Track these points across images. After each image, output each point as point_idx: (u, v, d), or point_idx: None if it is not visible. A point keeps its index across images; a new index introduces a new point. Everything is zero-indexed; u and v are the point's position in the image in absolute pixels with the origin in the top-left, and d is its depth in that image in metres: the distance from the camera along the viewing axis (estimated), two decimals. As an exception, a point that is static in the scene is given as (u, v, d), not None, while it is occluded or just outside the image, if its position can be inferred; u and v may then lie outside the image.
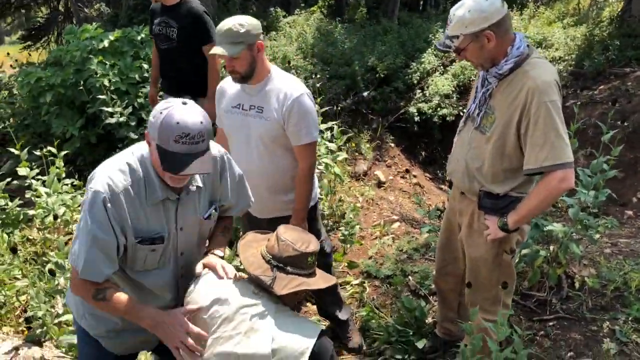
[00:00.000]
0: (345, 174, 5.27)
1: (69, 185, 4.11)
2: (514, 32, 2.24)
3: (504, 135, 2.21)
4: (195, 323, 1.86)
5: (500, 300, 2.54)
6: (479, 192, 2.34)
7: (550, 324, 3.29)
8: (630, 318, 3.22)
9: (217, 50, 2.45)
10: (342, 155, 4.41)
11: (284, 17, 9.75)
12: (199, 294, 1.95)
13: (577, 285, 3.52)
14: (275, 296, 1.90)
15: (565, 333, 3.23)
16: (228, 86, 2.73)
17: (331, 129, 4.48)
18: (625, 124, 5.92)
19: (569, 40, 7.86)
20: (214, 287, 1.97)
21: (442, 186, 6.89)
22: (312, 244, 1.97)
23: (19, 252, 3.81)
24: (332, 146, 4.32)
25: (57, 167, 3.96)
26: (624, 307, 3.32)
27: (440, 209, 3.61)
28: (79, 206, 4.08)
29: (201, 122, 1.73)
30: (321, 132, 4.39)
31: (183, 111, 1.73)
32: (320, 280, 2.00)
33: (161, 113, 1.74)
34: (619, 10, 8.92)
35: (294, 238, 1.96)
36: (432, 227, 3.46)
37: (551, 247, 3.43)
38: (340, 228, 3.98)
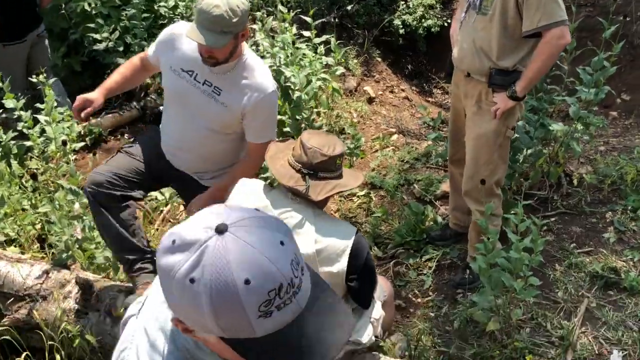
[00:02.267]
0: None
1: (63, 114, 4.02)
2: None
3: (504, 8, 2.43)
4: None
5: (494, 194, 2.79)
6: (489, 70, 2.54)
7: (553, 219, 3.46)
8: (627, 209, 3.40)
9: (199, 38, 2.11)
10: (340, 70, 4.38)
11: None
12: (236, 203, 2.00)
13: (575, 182, 3.68)
14: (312, 201, 1.96)
15: (567, 227, 3.42)
16: (183, 41, 2.35)
17: (327, 42, 4.41)
18: (628, 18, 5.89)
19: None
20: (250, 196, 2.02)
21: (430, 99, 6.92)
22: (337, 146, 2.00)
23: (20, 180, 3.79)
24: (330, 60, 4.27)
25: (49, 96, 3.84)
26: (621, 199, 3.50)
27: (443, 118, 3.66)
28: (77, 136, 4.02)
29: None
30: (316, 45, 4.34)
31: None
32: (352, 180, 2.06)
33: None
34: None
35: (320, 143, 1.98)
36: (438, 134, 3.52)
37: (553, 147, 3.54)
38: (345, 142, 4.01)
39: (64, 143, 3.28)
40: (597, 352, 2.57)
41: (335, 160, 1.99)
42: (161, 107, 3.24)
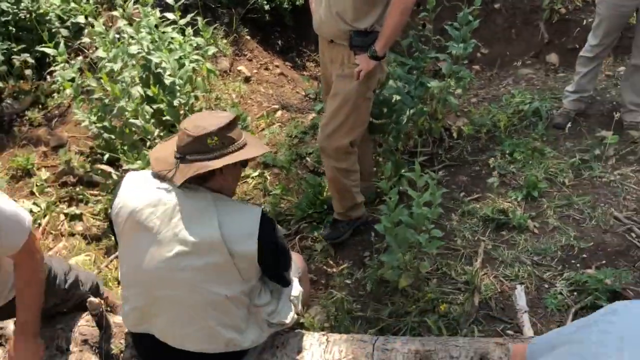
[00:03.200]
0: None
1: None
2: None
3: None
4: (133, 228, 1.80)
5: (350, 152, 2.89)
6: (349, 33, 2.59)
7: (441, 173, 3.62)
8: (504, 153, 3.64)
9: None
10: (212, 50, 4.21)
11: None
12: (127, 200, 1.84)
13: (455, 135, 3.87)
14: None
15: (454, 177, 3.59)
16: None
17: (193, 23, 4.22)
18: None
19: None
20: (138, 191, 1.86)
21: (304, 72, 6.93)
22: (211, 125, 1.80)
23: None
24: (200, 41, 4.09)
25: None
26: (497, 145, 3.74)
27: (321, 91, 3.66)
28: None
29: None
30: (182, 27, 4.14)
31: None
32: (228, 158, 1.83)
33: None
34: None
35: (194, 124, 1.81)
36: (323, 105, 3.51)
37: (430, 104, 3.68)
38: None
39: None
40: (499, 290, 2.73)
41: (203, 140, 1.78)
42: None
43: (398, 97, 3.28)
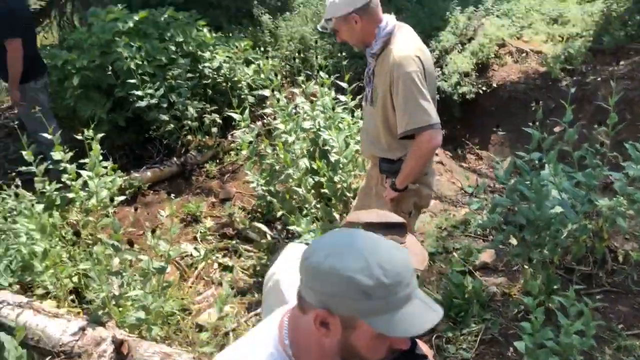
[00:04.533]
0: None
1: (107, 168, 4.11)
2: (383, 15, 2.51)
3: (385, 106, 2.50)
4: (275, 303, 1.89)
5: None
6: (379, 159, 2.66)
7: (598, 297, 3.33)
8: (677, 289, 3.26)
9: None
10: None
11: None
12: None
13: (620, 258, 3.56)
14: None
15: (614, 306, 3.29)
16: None
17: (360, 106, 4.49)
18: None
19: (585, 16, 7.81)
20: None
21: (463, 164, 6.90)
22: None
23: (60, 232, 3.83)
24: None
25: (95, 151, 3.94)
26: (669, 279, 3.37)
27: (484, 186, 3.63)
28: (118, 189, 4.09)
29: None
30: (352, 109, 4.42)
31: None
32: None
33: None
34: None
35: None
36: (480, 203, 3.48)
37: (596, 221, 3.46)
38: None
39: (111, 199, 3.31)
40: None
41: None
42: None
43: (560, 209, 3.15)
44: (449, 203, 4.64)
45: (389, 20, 2.48)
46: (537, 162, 3.32)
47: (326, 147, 4.19)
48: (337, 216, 4.02)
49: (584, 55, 7.20)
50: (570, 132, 3.40)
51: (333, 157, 4.12)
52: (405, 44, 2.44)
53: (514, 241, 3.44)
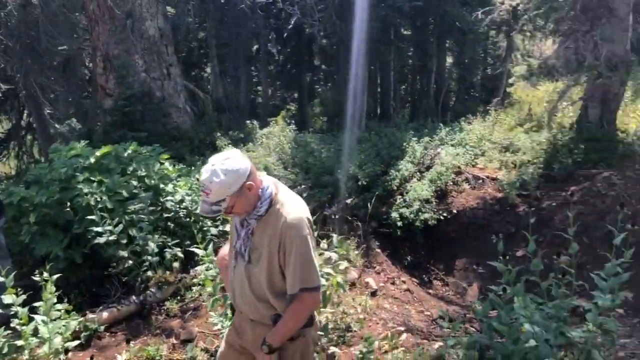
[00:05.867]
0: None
1: (61, 311, 3.86)
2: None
3: (270, 267, 2.41)
4: None
5: None
6: (272, 317, 2.47)
7: None
8: None
9: None
10: (344, 264, 4.35)
11: (260, 128, 10.01)
12: None
13: (599, 391, 3.43)
14: None
15: None
16: None
17: (328, 236, 4.46)
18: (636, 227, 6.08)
19: (535, 145, 8.30)
20: None
21: (430, 290, 6.85)
22: None
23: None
24: (334, 255, 4.26)
25: (49, 292, 3.73)
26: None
27: (450, 318, 3.54)
28: (71, 334, 3.83)
29: None
30: (318, 240, 4.37)
31: None
32: None
33: None
34: (572, 115, 9.55)
35: None
36: (457, 340, 3.37)
37: (572, 353, 3.37)
38: (352, 343, 3.81)
39: (66, 351, 3.06)
40: None
41: None
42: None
43: (534, 343, 3.07)
44: (420, 336, 4.49)
45: (264, 179, 2.44)
46: (504, 294, 3.29)
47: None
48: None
49: (537, 181, 7.54)
50: (535, 262, 3.42)
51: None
52: (295, 206, 2.40)
53: (491, 378, 3.30)
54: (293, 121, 11.87)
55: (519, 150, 8.38)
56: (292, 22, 11.50)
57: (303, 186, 6.88)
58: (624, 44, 7.71)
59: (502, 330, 3.01)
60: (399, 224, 7.18)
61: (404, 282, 6.53)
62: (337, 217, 6.86)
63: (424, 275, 7.39)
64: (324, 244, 4.48)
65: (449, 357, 3.84)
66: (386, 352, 4.12)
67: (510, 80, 13.04)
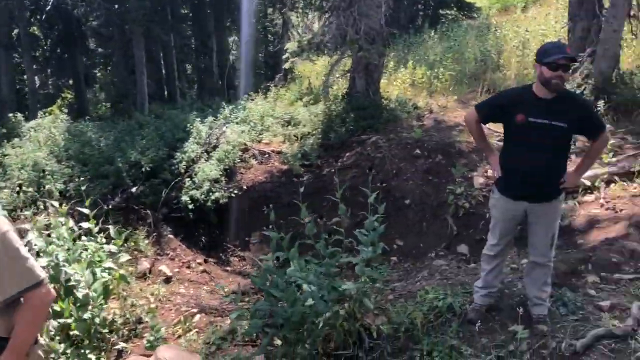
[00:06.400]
0: (130, 275, 4.98)
1: None
2: None
3: None
4: None
5: None
6: None
7: (361, 378, 3.52)
8: (423, 353, 3.62)
9: None
10: (125, 257, 4.19)
11: (26, 121, 9.00)
12: None
13: (374, 334, 3.84)
14: None
15: (375, 383, 3.49)
16: None
17: (105, 230, 4.24)
18: (384, 184, 6.75)
19: (312, 117, 8.81)
20: None
21: (228, 268, 6.94)
22: None
23: None
24: (112, 248, 4.08)
25: None
26: (416, 344, 3.73)
27: (244, 290, 3.65)
28: None
29: None
30: (95, 235, 4.14)
31: None
32: None
33: None
34: (345, 87, 10.32)
35: None
36: (241, 311, 3.47)
37: (348, 305, 3.71)
38: (145, 335, 3.71)
39: None
40: None
41: None
42: None
43: (312, 302, 3.30)
44: (215, 315, 4.55)
45: None
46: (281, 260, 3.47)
47: (71, 283, 3.80)
48: (93, 358, 3.62)
49: (317, 150, 8.03)
50: (309, 227, 3.66)
51: (80, 293, 3.75)
52: None
53: (278, 342, 3.48)
54: (67, 110, 10.91)
55: (299, 123, 8.82)
56: (51, 2, 10.46)
57: (82, 179, 6.39)
58: (379, 19, 8.53)
59: (279, 296, 3.18)
60: (191, 206, 7.11)
61: (199, 264, 6.52)
62: (122, 207, 6.55)
63: (221, 254, 7.44)
64: (101, 238, 4.24)
65: (240, 329, 3.97)
66: (179, 336, 4.11)
67: (283, 57, 13.58)
